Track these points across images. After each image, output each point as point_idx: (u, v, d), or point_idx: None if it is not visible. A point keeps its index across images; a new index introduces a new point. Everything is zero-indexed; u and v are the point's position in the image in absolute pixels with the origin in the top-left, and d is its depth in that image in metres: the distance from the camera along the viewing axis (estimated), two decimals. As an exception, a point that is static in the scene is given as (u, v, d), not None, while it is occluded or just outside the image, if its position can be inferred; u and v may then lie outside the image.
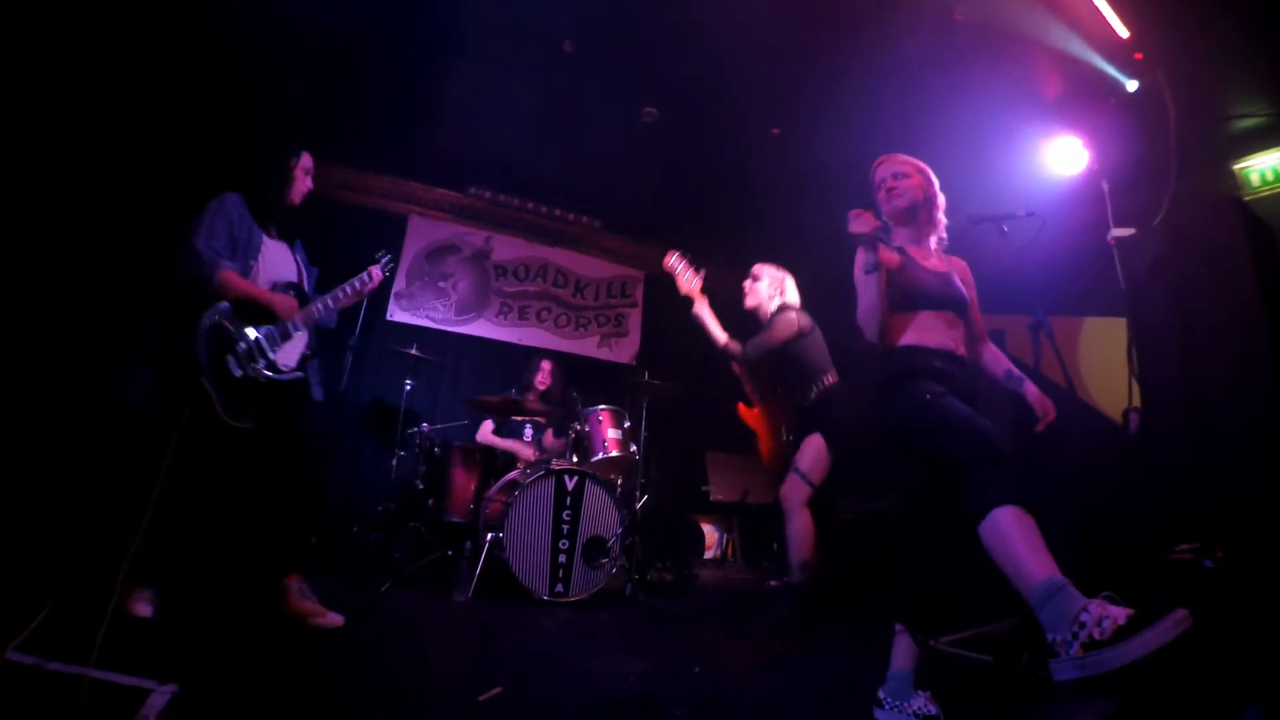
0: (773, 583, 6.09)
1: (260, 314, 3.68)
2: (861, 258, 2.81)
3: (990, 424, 2.58)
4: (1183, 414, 4.43)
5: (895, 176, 3.12)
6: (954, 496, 2.53)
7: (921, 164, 3.18)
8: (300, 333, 3.86)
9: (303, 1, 5.14)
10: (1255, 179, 5.53)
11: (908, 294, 2.90)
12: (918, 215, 3.11)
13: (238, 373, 3.54)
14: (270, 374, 3.66)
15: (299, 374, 3.86)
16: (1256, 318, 4.22)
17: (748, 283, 5.15)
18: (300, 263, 4.09)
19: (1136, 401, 4.90)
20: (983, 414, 2.66)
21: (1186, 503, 4.22)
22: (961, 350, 2.95)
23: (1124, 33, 4.93)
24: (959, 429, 2.59)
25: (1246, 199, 5.41)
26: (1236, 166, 5.61)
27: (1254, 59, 4.99)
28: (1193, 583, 3.65)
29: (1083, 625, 2.05)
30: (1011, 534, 2.30)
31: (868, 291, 2.82)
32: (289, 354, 3.82)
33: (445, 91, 6.26)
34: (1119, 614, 2.02)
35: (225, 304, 3.57)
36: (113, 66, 5.42)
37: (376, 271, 4.17)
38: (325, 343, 4.25)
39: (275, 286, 3.80)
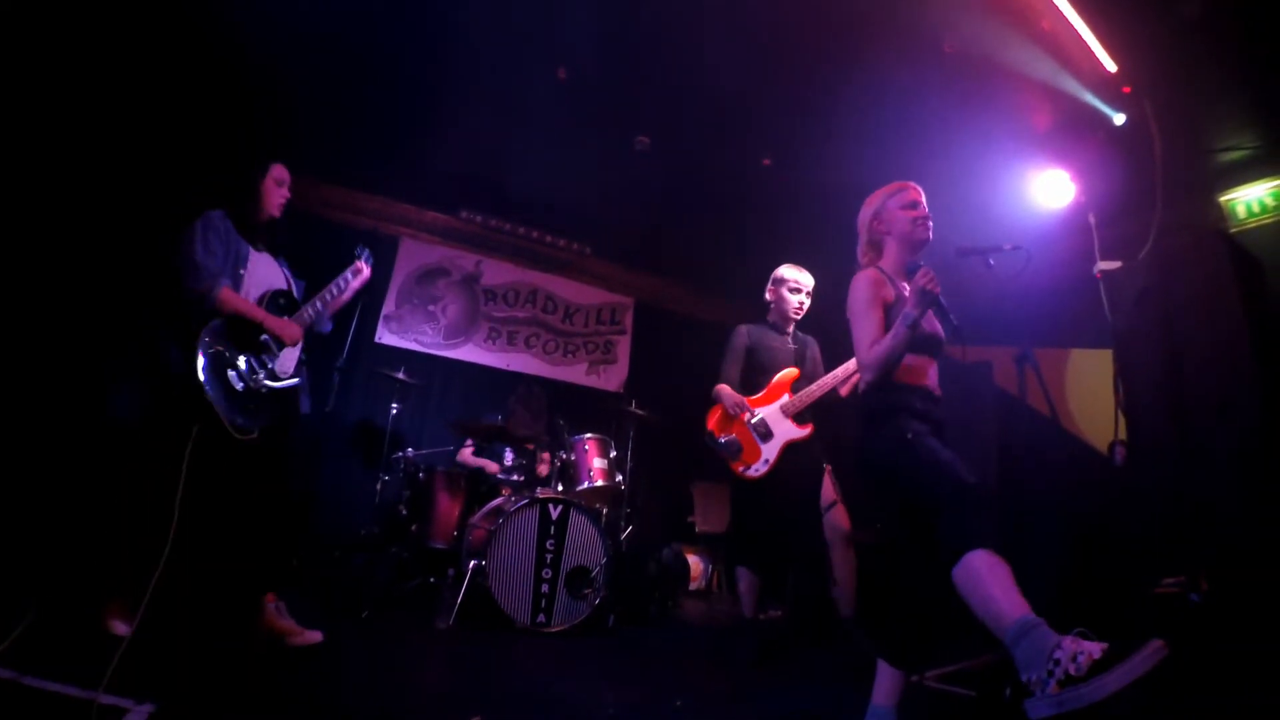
0: (759, 616, 6.06)
1: (256, 332, 3.69)
2: (911, 308, 2.76)
3: (968, 468, 2.59)
4: (1170, 446, 4.45)
5: (924, 206, 3.12)
6: (932, 533, 2.53)
7: None
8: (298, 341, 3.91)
9: (301, 20, 5.14)
10: (1241, 211, 5.58)
11: None
12: (919, 251, 3.13)
13: (239, 386, 3.54)
14: (270, 383, 3.68)
15: (296, 380, 3.87)
16: (1243, 349, 4.25)
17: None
18: (288, 274, 4.11)
19: (1123, 434, 4.90)
20: (969, 445, 2.67)
21: (1173, 535, 4.22)
22: (938, 390, 2.97)
23: (1112, 66, 4.97)
24: (937, 471, 2.60)
25: (1233, 231, 5.45)
26: (1223, 198, 5.66)
27: (1240, 92, 5.04)
28: (1179, 615, 3.66)
29: (1057, 662, 2.04)
30: (983, 576, 2.31)
31: (899, 340, 2.76)
32: (286, 360, 3.84)
33: (439, 114, 6.28)
34: (1094, 649, 2.01)
35: (220, 320, 3.57)
36: (114, 81, 5.42)
37: (363, 266, 4.23)
38: (313, 361, 4.25)
39: (265, 295, 3.82)
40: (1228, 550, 3.89)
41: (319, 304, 3.98)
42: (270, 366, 3.70)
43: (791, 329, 4.90)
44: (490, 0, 5.04)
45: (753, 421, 4.61)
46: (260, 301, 3.79)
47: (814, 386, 4.55)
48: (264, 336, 3.70)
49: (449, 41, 5.45)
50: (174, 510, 3.07)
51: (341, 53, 5.58)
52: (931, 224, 3.08)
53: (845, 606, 4.46)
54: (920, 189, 3.17)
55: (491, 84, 5.90)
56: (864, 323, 2.90)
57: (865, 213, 3.23)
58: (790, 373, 4.76)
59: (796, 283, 4.83)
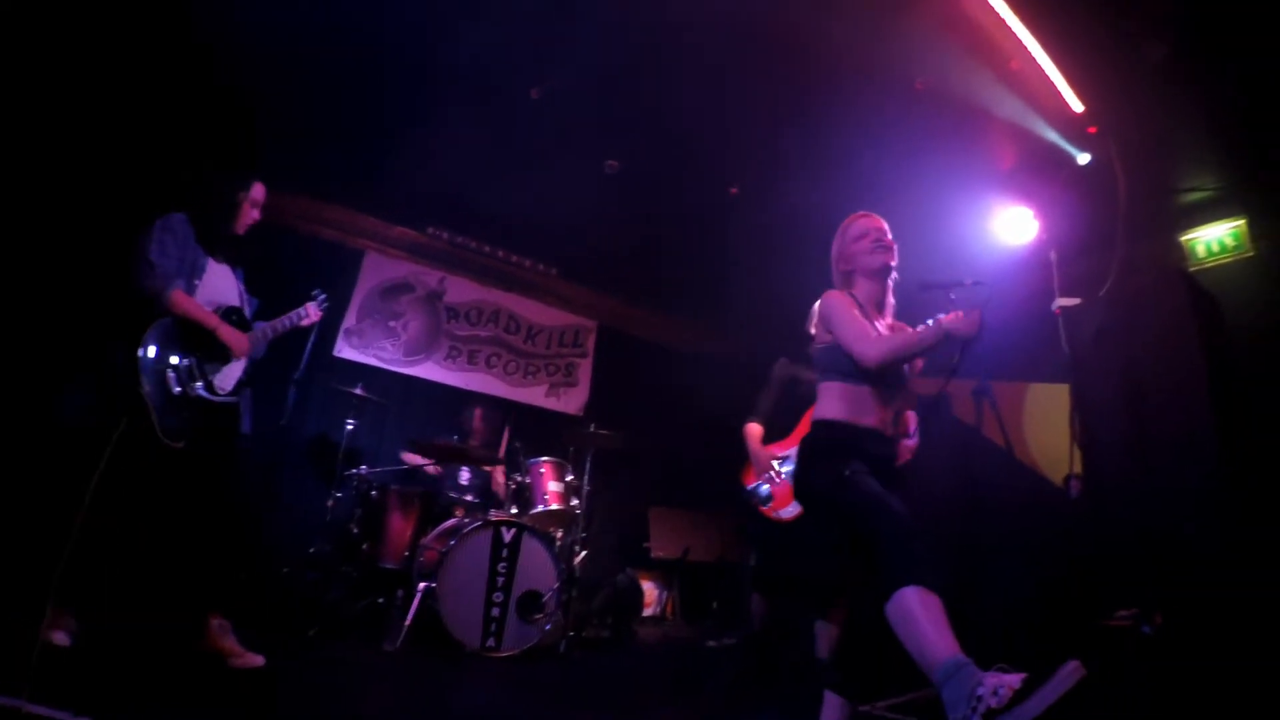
0: (710, 643, 6.01)
1: (204, 335, 3.66)
2: (946, 326, 2.75)
3: (900, 504, 2.60)
4: (1127, 480, 4.49)
5: (879, 231, 3.14)
6: (869, 565, 2.56)
7: None
8: (241, 359, 3.86)
9: (275, 30, 5.09)
10: (1201, 250, 5.67)
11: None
12: (886, 279, 3.15)
13: (175, 389, 3.49)
14: (207, 395, 3.62)
15: (233, 399, 3.81)
16: (1201, 387, 4.31)
17: None
18: (242, 291, 4.07)
19: (1078, 467, 4.94)
20: (920, 484, 2.67)
21: (1127, 568, 4.26)
22: (889, 430, 2.97)
23: (1078, 107, 5.05)
24: (870, 508, 2.62)
25: (1192, 270, 5.54)
26: (1183, 238, 5.75)
27: (1203, 134, 5.14)
28: (1131, 647, 3.69)
29: (980, 699, 2.06)
30: (915, 614, 2.32)
31: (911, 342, 2.81)
32: (227, 377, 3.80)
33: (410, 129, 6.23)
34: (1013, 680, 2.06)
35: (169, 320, 3.54)
36: (81, 80, 5.33)
37: (312, 309, 4.23)
38: (267, 375, 4.21)
39: (218, 310, 3.79)
40: (1182, 583, 3.93)
41: (269, 331, 3.97)
42: (210, 378, 3.66)
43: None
44: (465, 19, 5.01)
45: (778, 464, 4.56)
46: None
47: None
48: (204, 351, 3.66)
49: (422, 56, 5.42)
50: (92, 511, 2.99)
51: (314, 64, 5.52)
52: (887, 247, 3.09)
53: (825, 648, 4.37)
54: (872, 215, 3.19)
55: (463, 101, 5.87)
56: (853, 324, 2.90)
57: (832, 251, 3.25)
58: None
59: None
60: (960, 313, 2.76)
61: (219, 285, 3.88)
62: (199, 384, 3.60)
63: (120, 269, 3.65)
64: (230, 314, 3.83)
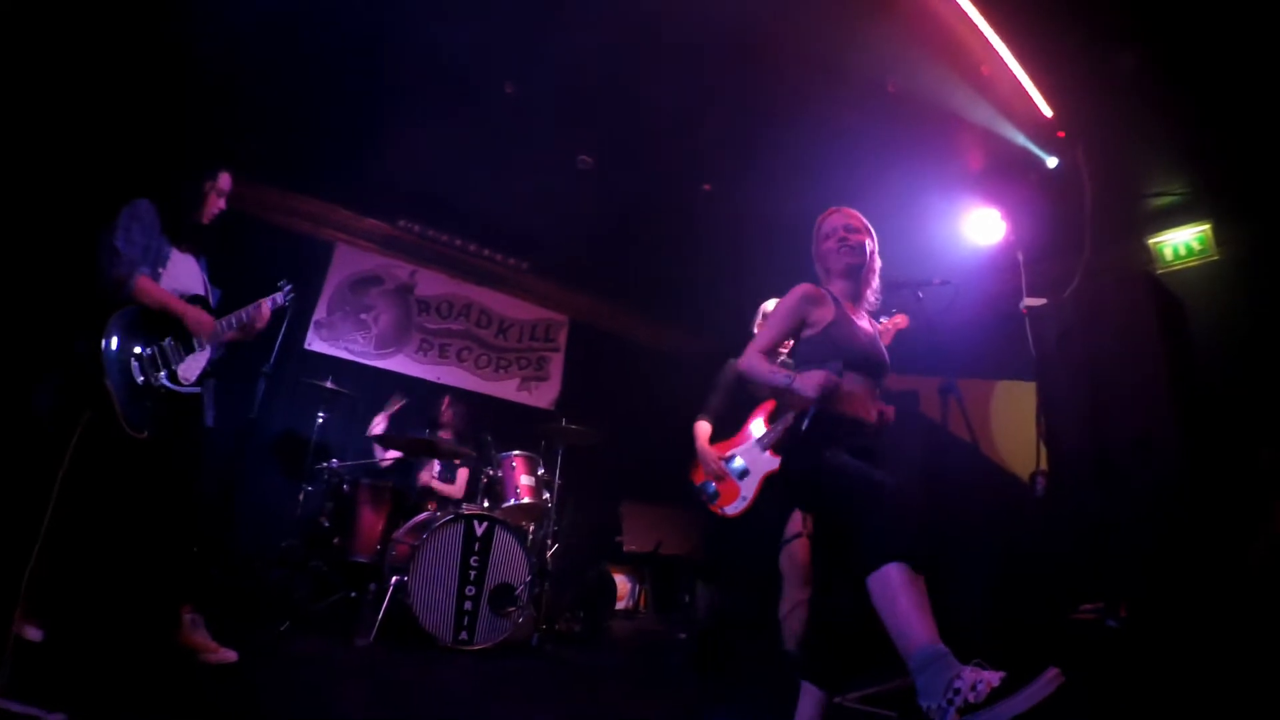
0: (683, 635, 6.06)
1: (169, 324, 3.64)
2: (801, 388, 2.81)
3: (887, 479, 2.61)
4: (1090, 477, 4.56)
5: (849, 230, 3.14)
6: (849, 551, 2.55)
7: (867, 221, 3.21)
8: (205, 350, 3.84)
9: (248, 21, 5.05)
10: (1169, 253, 5.79)
11: (840, 353, 2.90)
12: (860, 272, 3.14)
13: (139, 379, 3.47)
14: (170, 384, 3.60)
15: (196, 389, 3.79)
16: (1162, 386, 4.39)
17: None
18: (205, 280, 4.04)
19: (1044, 464, 5.02)
20: (895, 471, 2.68)
21: (1092, 563, 4.33)
22: (872, 417, 2.98)
23: (1048, 112, 5.12)
24: (854, 483, 2.62)
25: (1159, 272, 5.64)
26: (1151, 241, 5.86)
27: (1171, 140, 5.23)
28: (1096, 641, 3.75)
29: (957, 691, 2.08)
30: (899, 592, 2.32)
31: (769, 383, 2.94)
32: (191, 368, 3.77)
33: (382, 121, 6.20)
34: (992, 677, 2.06)
35: (134, 308, 3.52)
36: (35, 68, 5.25)
37: (266, 306, 4.13)
38: (235, 368, 4.18)
39: (182, 299, 3.76)
40: (1144, 578, 4.00)
41: (234, 321, 3.92)
42: (173, 367, 3.63)
43: (777, 363, 4.90)
44: (439, 13, 5.00)
45: (729, 466, 4.69)
46: None
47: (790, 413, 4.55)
48: (168, 340, 3.64)
49: (396, 49, 5.39)
50: (60, 501, 2.98)
51: (287, 53, 5.48)
52: (852, 247, 3.09)
53: (790, 640, 4.43)
54: (842, 211, 3.20)
55: (437, 95, 5.85)
56: (769, 328, 3.03)
57: (811, 248, 3.27)
58: (767, 404, 4.80)
59: None
60: (818, 375, 2.77)
61: (183, 274, 3.85)
62: (163, 373, 3.57)
63: (84, 257, 3.62)
64: (194, 302, 3.80)
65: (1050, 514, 4.85)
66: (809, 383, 2.76)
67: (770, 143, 5.80)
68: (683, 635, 6.00)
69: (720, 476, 4.71)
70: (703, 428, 4.85)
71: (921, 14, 4.59)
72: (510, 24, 5.06)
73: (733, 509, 4.64)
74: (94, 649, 3.33)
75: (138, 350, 3.50)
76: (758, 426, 4.75)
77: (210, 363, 3.92)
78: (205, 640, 3.58)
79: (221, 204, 4.00)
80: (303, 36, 5.27)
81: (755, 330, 4.84)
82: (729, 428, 4.86)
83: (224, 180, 3.98)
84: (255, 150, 6.39)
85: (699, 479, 4.82)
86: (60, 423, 3.35)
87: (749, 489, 4.61)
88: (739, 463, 4.69)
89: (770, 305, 4.81)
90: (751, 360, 2.96)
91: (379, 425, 6.69)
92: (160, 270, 3.70)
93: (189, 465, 3.76)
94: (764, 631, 5.09)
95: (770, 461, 4.58)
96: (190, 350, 3.74)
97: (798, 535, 4.55)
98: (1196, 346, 4.85)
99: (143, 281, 3.55)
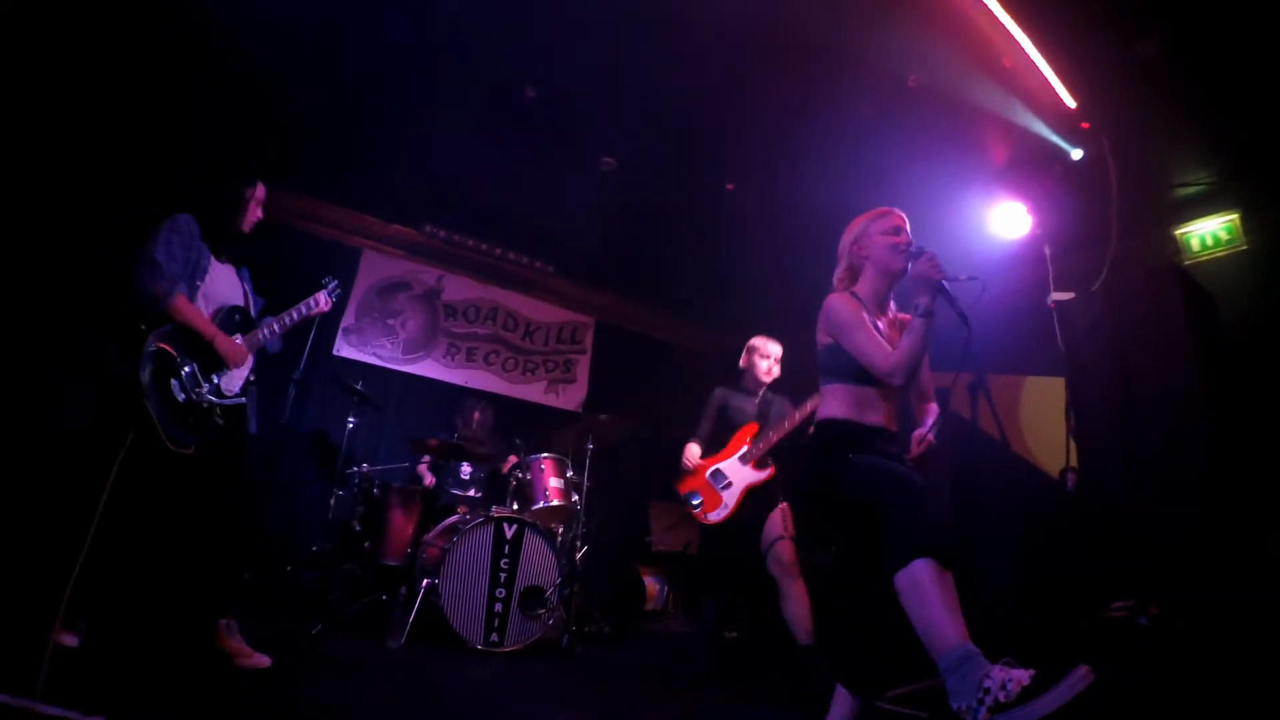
0: (730, 634, 6.08)
1: (204, 346, 3.64)
2: (922, 297, 2.76)
3: (914, 476, 2.60)
4: (1120, 472, 4.53)
5: (906, 233, 3.06)
6: (877, 551, 2.52)
7: None
8: (249, 360, 3.88)
9: (270, 28, 5.09)
10: (1195, 244, 5.69)
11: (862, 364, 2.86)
12: (895, 282, 3.08)
13: (180, 397, 3.48)
14: (214, 399, 3.63)
15: (242, 399, 3.83)
16: (1193, 380, 4.35)
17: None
18: (247, 290, 4.07)
19: (1074, 460, 4.98)
20: (925, 469, 2.67)
21: (1123, 559, 4.29)
22: (894, 426, 2.94)
23: (1071, 103, 5.07)
24: (879, 480, 2.62)
25: (1186, 264, 5.57)
26: (1178, 232, 5.77)
27: (1196, 129, 5.15)
28: (1128, 639, 3.71)
29: (987, 691, 2.07)
30: (929, 590, 2.30)
31: (919, 336, 2.74)
32: (233, 380, 3.80)
33: (407, 127, 6.24)
34: (1022, 675, 2.06)
35: (171, 325, 3.53)
36: (67, 79, 5.34)
37: (323, 298, 4.22)
38: (268, 374, 4.22)
39: (221, 310, 3.79)
40: (1176, 576, 3.96)
41: (276, 326, 3.96)
42: (216, 381, 3.66)
43: (761, 391, 5.30)
44: (463, 17, 5.02)
45: (709, 475, 5.11)
46: (215, 316, 3.76)
47: (771, 433, 4.95)
48: (212, 355, 3.66)
49: (420, 55, 5.43)
50: (103, 518, 3.02)
51: (312, 62, 5.53)
52: (915, 255, 2.91)
53: (803, 636, 4.52)
54: (895, 213, 3.10)
55: (460, 99, 5.87)
56: (863, 333, 2.85)
57: (846, 237, 3.16)
58: (751, 426, 5.16)
59: (766, 350, 5.28)
60: (925, 262, 2.75)
61: (223, 285, 3.88)
62: (206, 388, 3.59)
63: (122, 270, 3.65)
64: (234, 313, 3.83)
65: (1081, 510, 4.81)
66: (923, 284, 2.76)
67: (794, 140, 5.77)
68: (732, 634, 6.01)
69: (706, 487, 5.10)
70: (692, 448, 5.27)
71: (942, 6, 4.56)
72: (531, 25, 5.08)
73: (715, 515, 5.00)
74: (130, 654, 3.38)
75: (178, 367, 3.51)
76: (740, 444, 5.11)
77: (253, 370, 3.97)
78: (240, 645, 3.62)
79: (259, 213, 4.02)
80: (325, 43, 5.31)
81: (741, 364, 5.36)
82: (718, 447, 5.24)
83: (260, 189, 4.00)
84: (280, 158, 6.46)
85: (684, 489, 5.22)
86: (102, 437, 3.39)
87: (731, 498, 4.97)
88: (723, 475, 5.09)
89: (757, 342, 5.30)
90: (893, 361, 2.76)
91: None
92: (199, 283, 3.71)
93: (235, 475, 3.79)
94: (770, 629, 5.20)
95: (751, 474, 4.98)
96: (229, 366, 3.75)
97: (780, 538, 4.79)
98: (1226, 338, 4.79)
99: (179, 300, 3.54)
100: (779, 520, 4.83)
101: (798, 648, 4.51)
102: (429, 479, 6.58)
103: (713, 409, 5.37)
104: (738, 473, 5.04)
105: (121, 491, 3.16)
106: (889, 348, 2.81)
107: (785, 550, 4.75)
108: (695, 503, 5.10)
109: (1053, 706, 1.97)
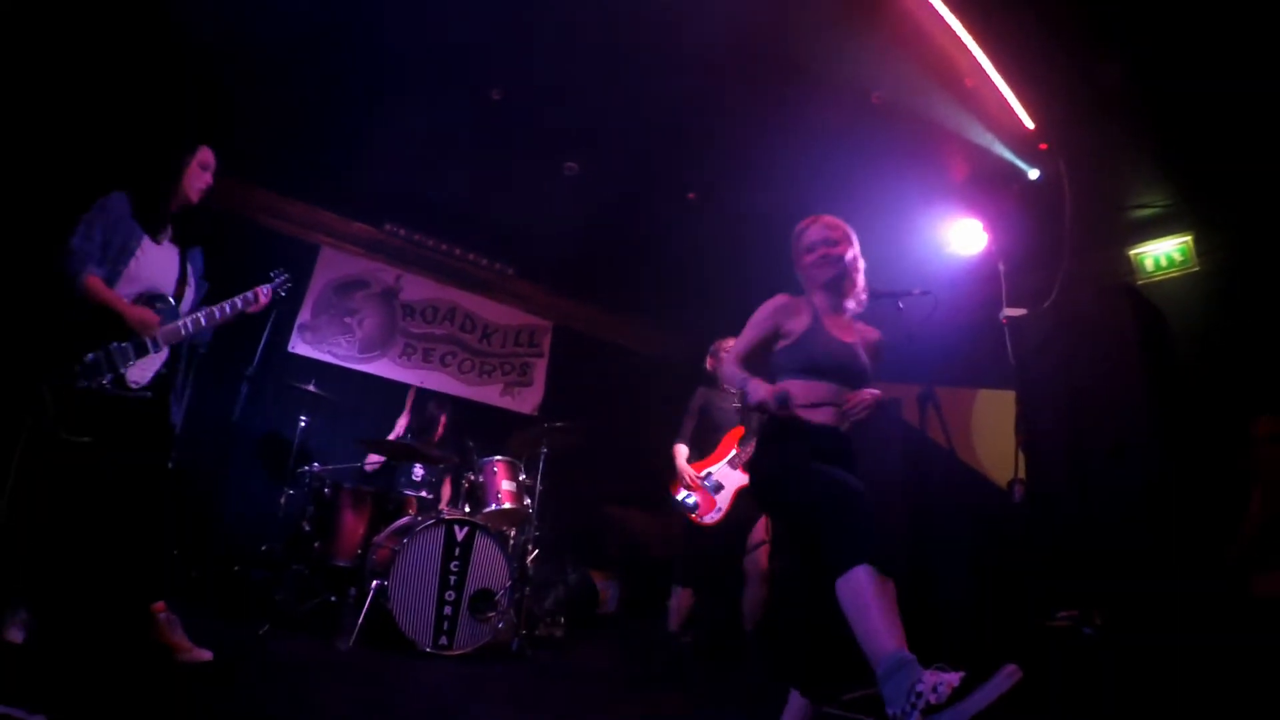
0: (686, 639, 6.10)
1: (117, 325, 3.51)
2: (755, 392, 2.84)
3: (855, 483, 2.66)
4: (1067, 485, 4.63)
5: (828, 242, 3.14)
6: (819, 552, 2.57)
7: (848, 227, 3.21)
8: (160, 351, 3.67)
9: (234, 22, 5.05)
10: (1150, 264, 5.84)
11: (812, 361, 2.95)
12: (841, 283, 3.15)
13: (80, 384, 3.38)
14: (115, 389, 3.49)
15: (147, 393, 3.63)
16: (1139, 397, 4.44)
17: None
18: (192, 271, 3.91)
19: (1022, 472, 5.09)
20: (867, 485, 2.70)
21: (1068, 570, 4.38)
22: (843, 426, 2.99)
23: (1030, 124, 5.17)
24: (820, 488, 2.65)
25: (1140, 283, 5.70)
26: (1132, 252, 5.91)
27: (1152, 153, 5.28)
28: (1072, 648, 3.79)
29: (919, 695, 2.11)
30: (868, 597, 2.35)
31: (735, 380, 2.98)
32: (142, 371, 3.61)
33: (370, 124, 6.21)
34: (952, 678, 2.10)
35: (86, 309, 3.44)
36: (28, 73, 5.24)
37: (264, 293, 4.02)
38: (219, 369, 4.10)
39: (142, 296, 3.64)
40: (1120, 585, 4.05)
41: (203, 318, 3.74)
42: (120, 371, 3.50)
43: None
44: (428, 18, 5.01)
45: (705, 482, 5.27)
46: (135, 302, 3.61)
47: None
48: (118, 344, 3.50)
49: (385, 53, 5.41)
50: (10, 501, 2.97)
51: (276, 55, 5.48)
52: (833, 260, 3.09)
53: (749, 624, 5.03)
54: (821, 221, 3.20)
55: (424, 99, 5.85)
56: (742, 337, 3.10)
57: (793, 260, 3.30)
58: (737, 429, 5.34)
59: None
60: (768, 388, 2.80)
61: (156, 268, 3.72)
62: (106, 377, 3.45)
63: (43, 255, 3.56)
64: (153, 302, 3.66)
65: (1028, 521, 4.90)
66: (758, 391, 2.80)
67: (756, 151, 5.84)
68: (687, 639, 6.03)
69: (699, 490, 5.22)
70: (681, 449, 5.44)
71: (907, 26, 4.63)
72: (497, 30, 5.07)
73: (710, 518, 5.18)
74: (74, 651, 3.32)
75: (79, 354, 3.40)
76: (729, 448, 5.30)
77: (168, 364, 3.74)
78: (181, 640, 3.54)
79: (208, 178, 3.84)
80: (292, 39, 5.26)
81: (708, 367, 5.57)
82: (706, 449, 5.44)
83: (204, 154, 3.83)
84: (241, 152, 6.37)
85: (676, 492, 5.30)
86: (5, 429, 3.33)
87: (724, 501, 5.15)
88: (714, 479, 5.27)
89: (728, 343, 5.29)
90: (726, 364, 3.05)
91: (401, 424, 6.74)
92: (122, 267, 3.58)
93: (150, 467, 3.65)
94: (737, 631, 5.33)
95: (741, 478, 5.13)
96: (144, 352, 3.58)
97: (762, 543, 5.10)
98: (1176, 356, 4.91)
99: (89, 281, 3.43)
100: (763, 525, 5.10)
101: (762, 653, 4.69)
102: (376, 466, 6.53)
103: (695, 409, 5.55)
104: (728, 476, 5.24)
105: (24, 481, 3.10)
106: (741, 355, 3.07)
107: (762, 555, 5.07)
108: (690, 505, 5.23)
109: (981, 705, 2.04)
